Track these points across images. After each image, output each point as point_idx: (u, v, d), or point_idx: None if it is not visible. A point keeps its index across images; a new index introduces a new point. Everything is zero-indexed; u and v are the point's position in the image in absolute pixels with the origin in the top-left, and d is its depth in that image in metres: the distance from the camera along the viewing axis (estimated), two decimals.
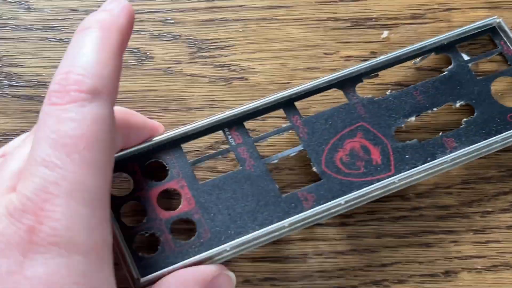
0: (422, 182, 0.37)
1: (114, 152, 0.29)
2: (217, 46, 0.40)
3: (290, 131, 0.37)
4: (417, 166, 0.35)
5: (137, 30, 0.41)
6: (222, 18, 0.41)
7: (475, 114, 0.37)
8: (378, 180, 0.35)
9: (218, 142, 0.38)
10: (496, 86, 0.39)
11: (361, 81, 0.37)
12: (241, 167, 0.35)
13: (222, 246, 0.33)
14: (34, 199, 0.26)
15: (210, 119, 0.36)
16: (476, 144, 0.36)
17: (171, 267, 0.32)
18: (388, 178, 0.35)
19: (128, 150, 0.35)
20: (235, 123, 0.36)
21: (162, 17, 0.41)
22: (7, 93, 0.39)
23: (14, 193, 0.26)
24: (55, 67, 0.39)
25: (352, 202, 0.34)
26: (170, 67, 0.40)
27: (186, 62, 0.40)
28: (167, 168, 0.35)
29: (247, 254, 0.36)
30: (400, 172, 0.35)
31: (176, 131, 0.35)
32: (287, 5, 0.41)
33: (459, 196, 0.37)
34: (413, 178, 0.35)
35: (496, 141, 0.36)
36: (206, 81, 0.40)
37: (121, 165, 0.34)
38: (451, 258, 0.36)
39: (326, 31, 0.41)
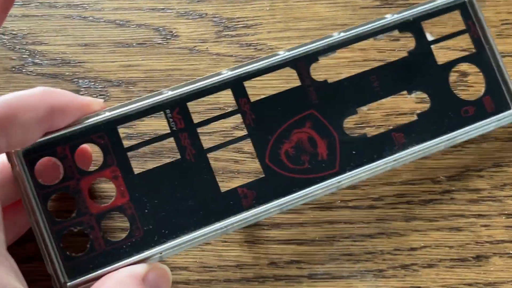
0: (452, 164, 0.36)
1: None
2: (243, 25, 0.40)
3: (237, 113, 0.34)
4: (362, 165, 0.33)
5: (162, 8, 0.40)
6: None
7: (430, 106, 0.35)
8: (321, 179, 0.33)
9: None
10: (455, 74, 0.37)
11: (317, 60, 0.35)
12: (180, 157, 0.33)
13: (154, 250, 0.31)
14: None
15: (151, 98, 0.32)
16: (422, 145, 0.34)
17: (99, 272, 0.31)
18: (331, 177, 0.33)
19: (58, 133, 0.31)
20: (178, 104, 0.33)
21: None
22: (31, 71, 0.38)
23: None
24: (80, 45, 0.39)
25: (291, 206, 0.33)
26: (195, 46, 0.39)
27: (212, 41, 0.39)
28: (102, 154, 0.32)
29: (274, 236, 0.35)
30: (345, 171, 0.33)
31: (112, 111, 0.32)
32: None
33: (491, 179, 0.36)
34: (356, 178, 0.33)
35: (443, 140, 0.34)
36: (232, 60, 0.39)
37: (49, 149, 0.31)
38: (482, 243, 0.35)
39: (355, 10, 0.40)
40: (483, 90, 0.36)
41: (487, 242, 0.35)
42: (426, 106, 0.35)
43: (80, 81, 0.38)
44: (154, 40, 0.39)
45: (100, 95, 0.38)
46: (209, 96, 0.33)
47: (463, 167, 0.37)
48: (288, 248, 0.35)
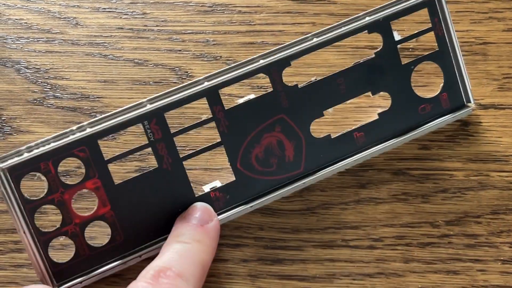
0: (451, 210, 0.37)
1: None
2: None
3: (211, 121, 0.35)
4: (324, 165, 0.37)
5: (179, 50, 0.42)
6: (262, 41, 0.42)
7: (390, 105, 0.38)
8: (288, 179, 0.36)
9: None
10: (417, 72, 0.39)
11: (289, 65, 0.36)
12: (158, 166, 0.34)
13: (135, 255, 0.34)
14: None
15: (130, 112, 0.34)
16: (383, 145, 0.37)
17: (85, 275, 0.33)
18: (295, 177, 0.36)
19: (41, 149, 0.33)
20: (155, 115, 0.34)
21: (204, 38, 0.42)
22: (51, 104, 0.40)
23: None
24: (99, 81, 0.41)
25: (259, 206, 0.36)
26: None
27: None
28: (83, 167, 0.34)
29: (275, 272, 0.36)
30: (308, 171, 0.37)
31: (93, 126, 0.33)
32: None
33: (488, 226, 0.37)
34: (318, 177, 0.37)
35: (402, 140, 0.38)
36: None
37: (33, 164, 0.33)
38: (478, 287, 0.36)
39: (362, 57, 0.42)
40: (441, 87, 0.39)
41: (482, 286, 0.36)
42: (387, 105, 0.38)
43: (98, 115, 0.40)
44: (170, 79, 0.41)
45: None
46: (186, 105, 0.35)
47: (462, 213, 0.38)
48: (289, 284, 0.36)
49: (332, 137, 0.37)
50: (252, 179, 0.36)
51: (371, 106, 0.40)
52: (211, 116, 0.35)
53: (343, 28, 0.36)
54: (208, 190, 0.36)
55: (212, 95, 0.35)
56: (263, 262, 0.36)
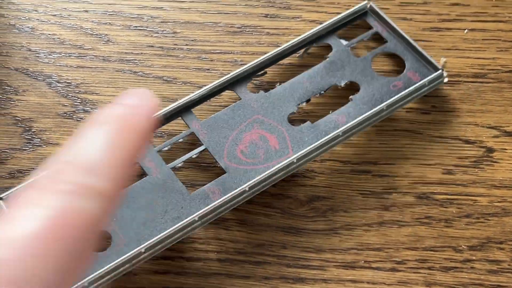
0: (475, 235, 0.37)
1: None
2: None
3: (190, 134, 0.39)
4: (311, 144, 0.38)
5: (207, 69, 0.43)
6: (289, 63, 0.43)
7: (360, 89, 0.40)
8: (279, 163, 0.37)
9: None
10: (377, 63, 0.42)
11: (250, 80, 0.40)
12: (148, 175, 0.37)
13: (137, 249, 0.34)
14: None
15: None
16: (364, 115, 0.38)
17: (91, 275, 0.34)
18: (287, 159, 0.37)
19: None
20: None
21: (232, 58, 0.43)
22: (81, 118, 0.41)
23: None
24: None
25: (256, 188, 0.36)
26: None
27: None
28: None
29: None
30: (298, 152, 0.37)
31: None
32: None
33: (511, 252, 0.37)
34: (310, 156, 0.38)
35: (382, 108, 0.39)
36: None
37: None
38: None
39: None
40: (405, 68, 0.41)
41: None
42: (358, 91, 0.40)
43: None
44: None
45: None
46: (166, 124, 0.39)
47: (485, 239, 0.38)
48: None
49: (312, 123, 0.39)
50: (245, 170, 0.37)
51: (341, 95, 0.41)
52: (189, 129, 0.39)
53: (291, 43, 0.41)
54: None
55: (186, 113, 0.39)
56: (285, 281, 0.37)
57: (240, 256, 0.37)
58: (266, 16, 0.45)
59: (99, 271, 0.34)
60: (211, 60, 0.43)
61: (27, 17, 0.44)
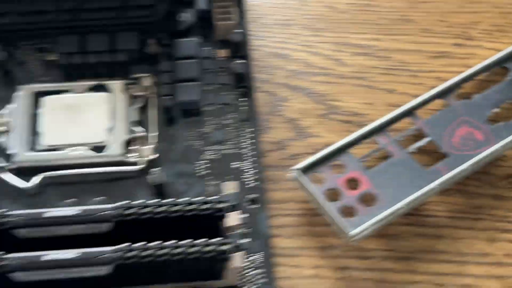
0: None
1: None
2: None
3: (416, 129, 0.52)
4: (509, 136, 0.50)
5: (418, 83, 0.58)
6: (480, 79, 0.58)
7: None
8: (486, 151, 0.51)
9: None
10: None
11: (460, 87, 0.53)
12: (392, 157, 0.50)
13: (396, 205, 0.48)
14: None
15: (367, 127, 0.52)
16: None
17: (368, 222, 0.48)
18: (492, 147, 0.50)
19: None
20: (381, 130, 0.52)
21: (435, 75, 0.58)
22: (332, 118, 0.56)
23: None
24: (363, 103, 0.57)
25: (473, 167, 0.50)
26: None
27: None
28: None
29: None
30: (498, 142, 0.50)
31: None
32: None
33: None
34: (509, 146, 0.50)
35: None
36: None
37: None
38: None
39: None
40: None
41: None
42: None
43: (365, 124, 0.55)
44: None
45: None
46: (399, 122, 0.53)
47: None
48: None
49: (506, 122, 0.52)
50: (461, 155, 0.51)
51: None
52: (416, 126, 0.53)
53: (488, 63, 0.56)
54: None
55: (411, 114, 0.53)
56: (496, 231, 0.49)
57: (461, 214, 0.51)
58: (455, 44, 0.60)
59: (369, 222, 0.49)
60: (419, 77, 0.58)
61: (283, 47, 0.61)
